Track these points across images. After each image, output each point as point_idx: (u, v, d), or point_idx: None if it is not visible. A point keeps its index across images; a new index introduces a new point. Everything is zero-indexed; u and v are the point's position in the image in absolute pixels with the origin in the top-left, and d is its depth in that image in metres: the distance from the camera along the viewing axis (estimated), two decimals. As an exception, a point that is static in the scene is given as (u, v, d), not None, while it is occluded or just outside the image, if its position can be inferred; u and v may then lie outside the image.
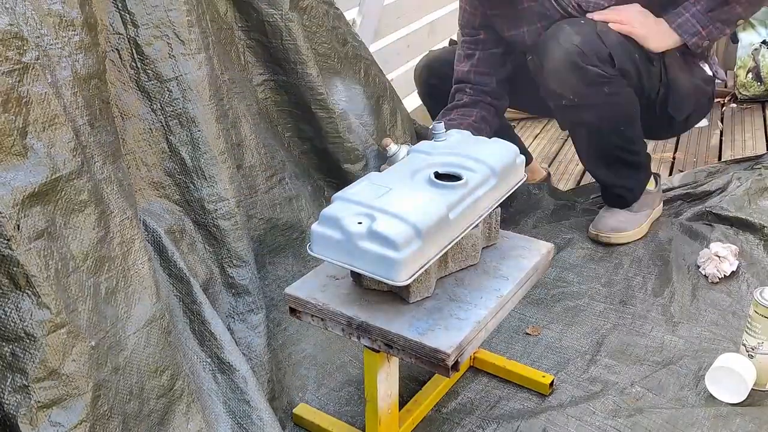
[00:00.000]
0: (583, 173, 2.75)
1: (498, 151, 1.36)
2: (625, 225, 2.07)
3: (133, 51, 1.42)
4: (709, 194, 2.30)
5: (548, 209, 2.31)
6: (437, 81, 2.23)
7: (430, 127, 1.46)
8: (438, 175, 1.27)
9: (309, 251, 1.21)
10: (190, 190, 1.49)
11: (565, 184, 2.68)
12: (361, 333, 1.21)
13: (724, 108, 3.23)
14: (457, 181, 1.25)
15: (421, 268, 1.15)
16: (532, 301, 1.85)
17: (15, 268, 1.02)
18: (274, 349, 1.60)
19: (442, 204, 1.19)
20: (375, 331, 1.19)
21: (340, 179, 1.92)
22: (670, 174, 2.66)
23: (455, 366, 1.14)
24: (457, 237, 1.22)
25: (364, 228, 1.14)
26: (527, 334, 1.73)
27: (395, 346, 1.18)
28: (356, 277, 1.29)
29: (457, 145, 1.38)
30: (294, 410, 1.49)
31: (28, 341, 1.02)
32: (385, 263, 1.12)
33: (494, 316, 1.24)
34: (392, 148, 1.80)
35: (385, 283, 1.16)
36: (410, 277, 1.13)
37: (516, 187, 1.40)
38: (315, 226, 1.20)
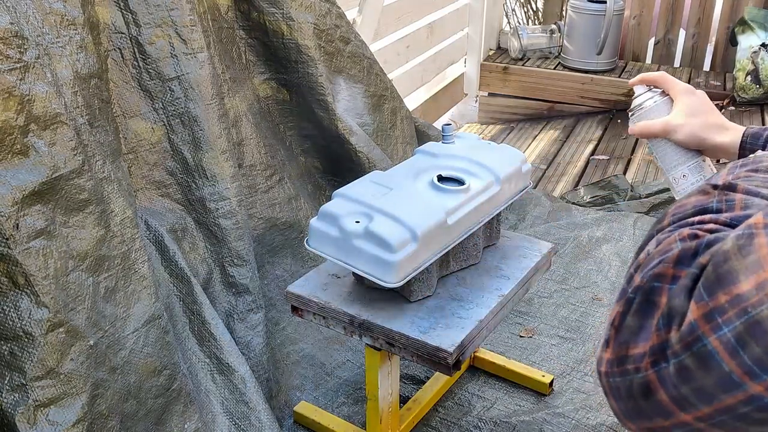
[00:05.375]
0: (581, 174, 2.75)
1: (504, 157, 1.35)
2: None
3: (135, 50, 1.41)
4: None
5: (545, 209, 2.30)
6: None
7: (441, 128, 1.43)
8: (441, 178, 1.26)
9: (306, 245, 1.21)
10: (191, 189, 1.48)
11: (564, 186, 2.68)
12: (363, 331, 1.20)
13: (722, 111, 3.23)
14: (460, 185, 1.25)
15: (414, 272, 1.14)
16: (528, 300, 1.85)
17: (13, 267, 1.02)
18: (272, 348, 1.59)
19: (440, 209, 1.18)
20: (377, 329, 1.18)
21: (340, 177, 1.92)
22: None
23: (457, 364, 1.14)
24: (453, 242, 1.21)
25: (361, 227, 1.14)
26: (520, 336, 1.73)
27: (397, 345, 1.17)
28: (358, 275, 1.28)
29: (465, 149, 1.36)
30: (295, 408, 1.48)
31: (26, 340, 1.01)
32: (378, 264, 1.11)
33: (495, 315, 1.24)
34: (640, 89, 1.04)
35: (376, 284, 1.16)
36: (402, 280, 1.12)
37: (519, 195, 1.39)
38: (313, 221, 1.20)
